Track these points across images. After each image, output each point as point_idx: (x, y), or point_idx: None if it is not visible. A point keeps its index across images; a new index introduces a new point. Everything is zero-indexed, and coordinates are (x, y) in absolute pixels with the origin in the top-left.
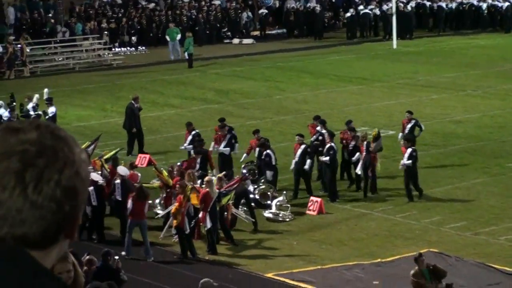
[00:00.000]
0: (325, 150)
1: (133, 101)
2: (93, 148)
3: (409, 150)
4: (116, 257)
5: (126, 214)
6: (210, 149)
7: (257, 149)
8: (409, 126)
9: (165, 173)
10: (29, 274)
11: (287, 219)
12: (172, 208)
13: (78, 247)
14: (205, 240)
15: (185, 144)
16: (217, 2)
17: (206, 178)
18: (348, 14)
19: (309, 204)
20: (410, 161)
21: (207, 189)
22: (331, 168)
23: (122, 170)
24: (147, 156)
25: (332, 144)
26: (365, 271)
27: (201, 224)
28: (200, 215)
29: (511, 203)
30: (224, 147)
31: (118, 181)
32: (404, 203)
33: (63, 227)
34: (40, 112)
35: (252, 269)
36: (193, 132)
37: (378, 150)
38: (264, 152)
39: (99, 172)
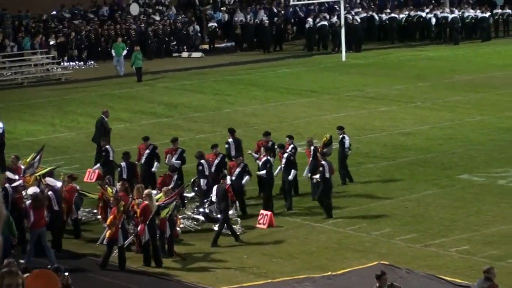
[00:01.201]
0: (261, 164)
1: (103, 116)
2: (39, 159)
3: (326, 163)
4: (66, 273)
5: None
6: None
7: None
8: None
9: (109, 190)
10: None
11: (237, 233)
12: (108, 220)
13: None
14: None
15: (172, 159)
16: (166, 16)
17: (146, 191)
18: (307, 26)
19: (259, 217)
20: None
21: (146, 202)
22: (269, 182)
23: (51, 181)
24: (97, 171)
25: (268, 157)
26: (316, 284)
27: (140, 236)
28: (139, 227)
29: (461, 214)
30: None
31: (50, 192)
32: (354, 215)
33: None
34: None
35: (202, 283)
36: (150, 147)
37: (327, 155)
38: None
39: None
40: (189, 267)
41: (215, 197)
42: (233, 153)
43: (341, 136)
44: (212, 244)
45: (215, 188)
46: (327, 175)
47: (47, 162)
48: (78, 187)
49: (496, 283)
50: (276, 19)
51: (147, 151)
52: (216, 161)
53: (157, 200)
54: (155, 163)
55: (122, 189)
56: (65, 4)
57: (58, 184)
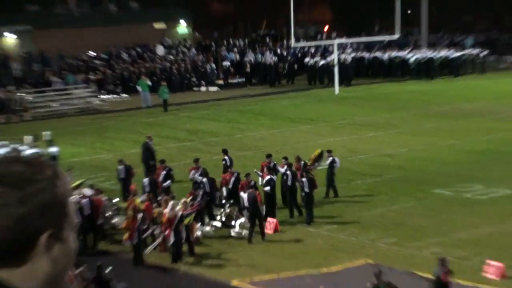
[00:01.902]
0: (265, 181)
1: (147, 140)
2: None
3: (305, 179)
4: (108, 269)
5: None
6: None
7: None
8: (327, 161)
9: (137, 200)
10: None
11: (245, 235)
12: (123, 224)
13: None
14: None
15: (196, 175)
16: (187, 56)
17: (171, 203)
18: (310, 63)
19: (267, 224)
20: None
21: (173, 212)
22: (272, 196)
23: (86, 191)
24: (133, 186)
25: (271, 176)
26: (313, 279)
27: (167, 238)
28: (166, 232)
29: (434, 222)
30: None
31: (84, 200)
32: (345, 222)
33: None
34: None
35: (219, 278)
36: (166, 168)
37: (316, 168)
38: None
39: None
40: (208, 264)
41: (247, 203)
42: (228, 163)
43: (330, 158)
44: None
45: (245, 196)
46: (307, 190)
47: (90, 178)
48: (104, 198)
49: (450, 269)
50: (289, 57)
51: (164, 172)
52: (233, 179)
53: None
54: (168, 181)
55: (147, 199)
56: (102, 45)
57: (89, 192)
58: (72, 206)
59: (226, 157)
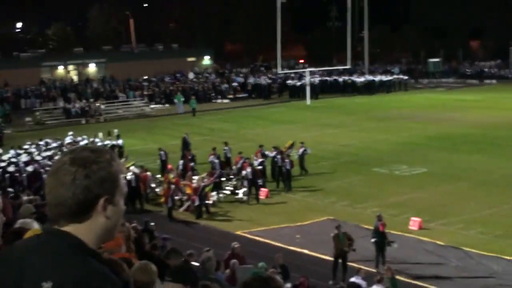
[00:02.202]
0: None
1: (185, 135)
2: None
3: (288, 161)
4: (152, 223)
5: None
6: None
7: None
8: (301, 150)
9: (170, 175)
10: (68, 245)
11: (248, 200)
12: (161, 192)
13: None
14: (193, 212)
15: (212, 158)
16: (209, 79)
17: (196, 177)
18: (291, 84)
19: (260, 192)
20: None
21: (197, 184)
22: (263, 173)
23: (134, 169)
24: (169, 166)
25: (263, 159)
26: (292, 230)
27: (193, 202)
28: (192, 197)
29: (374, 191)
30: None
31: (133, 176)
32: (313, 190)
33: (89, 206)
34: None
35: (227, 229)
36: (191, 154)
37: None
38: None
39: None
40: (219, 219)
41: (251, 175)
42: (228, 154)
43: (303, 148)
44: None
45: (249, 171)
46: (288, 167)
47: (142, 161)
48: (149, 174)
49: (385, 222)
50: (278, 80)
51: (189, 157)
52: (241, 161)
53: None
54: (192, 163)
55: (176, 175)
56: (153, 72)
57: (136, 171)
58: (123, 180)
59: (226, 147)
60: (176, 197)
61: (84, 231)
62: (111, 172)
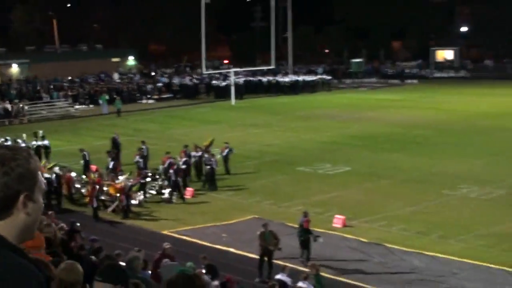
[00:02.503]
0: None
1: (115, 135)
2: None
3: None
4: (78, 223)
5: None
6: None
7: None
8: (226, 151)
9: (92, 175)
10: None
11: (174, 200)
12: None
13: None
14: (119, 212)
15: (137, 158)
16: (135, 78)
17: (122, 177)
18: (216, 84)
19: (185, 192)
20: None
21: (123, 183)
22: (187, 172)
23: (56, 170)
24: (94, 167)
25: (187, 158)
26: (218, 229)
27: (121, 202)
28: (121, 197)
29: (298, 189)
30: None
31: (53, 176)
32: (239, 189)
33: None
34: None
35: (152, 228)
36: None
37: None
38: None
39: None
40: (146, 219)
41: (174, 176)
42: (145, 153)
43: (227, 148)
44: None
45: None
46: (214, 166)
47: (68, 162)
48: (73, 174)
49: (309, 219)
50: (205, 80)
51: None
52: (168, 161)
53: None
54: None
55: (99, 175)
56: (77, 73)
57: (58, 171)
58: (41, 177)
59: (144, 147)
60: (102, 198)
61: (5, 227)
62: (30, 169)
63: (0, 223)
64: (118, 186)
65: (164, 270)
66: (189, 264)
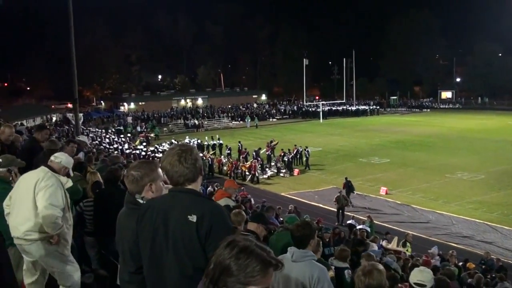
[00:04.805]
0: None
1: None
2: None
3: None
4: None
5: None
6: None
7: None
8: (295, 151)
9: (230, 159)
10: (195, 195)
11: (286, 176)
12: None
13: None
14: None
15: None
16: (266, 107)
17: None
18: (312, 110)
19: (294, 171)
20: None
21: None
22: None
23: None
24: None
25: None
26: (314, 193)
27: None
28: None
29: (360, 172)
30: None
31: None
32: (325, 171)
33: (198, 174)
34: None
35: (275, 191)
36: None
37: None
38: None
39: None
40: (272, 185)
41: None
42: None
43: (296, 149)
44: None
45: None
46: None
47: (225, 152)
48: (222, 158)
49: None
50: (304, 108)
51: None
52: None
53: None
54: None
55: (236, 159)
56: (233, 103)
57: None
58: (201, 161)
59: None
60: (237, 171)
61: (196, 187)
62: (198, 158)
63: (192, 184)
64: (247, 165)
65: (285, 217)
66: (305, 216)
